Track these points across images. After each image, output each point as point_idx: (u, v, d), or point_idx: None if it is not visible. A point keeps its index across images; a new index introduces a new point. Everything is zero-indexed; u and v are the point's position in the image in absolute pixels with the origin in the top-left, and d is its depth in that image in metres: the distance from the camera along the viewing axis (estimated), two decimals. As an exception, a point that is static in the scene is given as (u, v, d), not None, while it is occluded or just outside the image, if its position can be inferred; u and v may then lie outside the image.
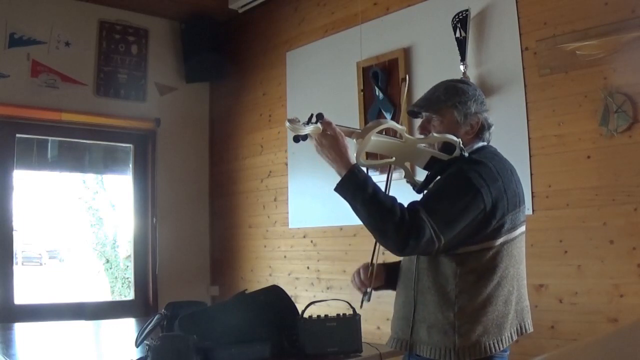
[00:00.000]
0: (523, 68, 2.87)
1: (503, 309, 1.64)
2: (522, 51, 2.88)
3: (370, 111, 3.53)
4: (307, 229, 3.95)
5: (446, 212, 1.57)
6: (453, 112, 1.75)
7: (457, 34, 3.04)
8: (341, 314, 1.98)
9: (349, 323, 1.96)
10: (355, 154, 1.64)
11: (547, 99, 2.77)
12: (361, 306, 1.86)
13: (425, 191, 1.75)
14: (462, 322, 1.62)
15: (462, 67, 3.00)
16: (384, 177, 1.92)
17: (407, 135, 1.71)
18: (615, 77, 2.55)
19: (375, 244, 1.79)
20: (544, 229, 2.74)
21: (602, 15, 2.58)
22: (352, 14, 3.70)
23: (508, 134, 2.87)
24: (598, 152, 2.59)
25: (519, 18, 2.90)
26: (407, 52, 3.38)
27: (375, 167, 1.88)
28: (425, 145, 1.73)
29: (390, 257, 1.81)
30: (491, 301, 1.63)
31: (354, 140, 1.65)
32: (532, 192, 2.78)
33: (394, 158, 1.75)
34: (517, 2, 2.90)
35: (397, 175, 1.99)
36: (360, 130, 1.65)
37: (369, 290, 1.82)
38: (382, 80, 3.45)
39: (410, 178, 1.79)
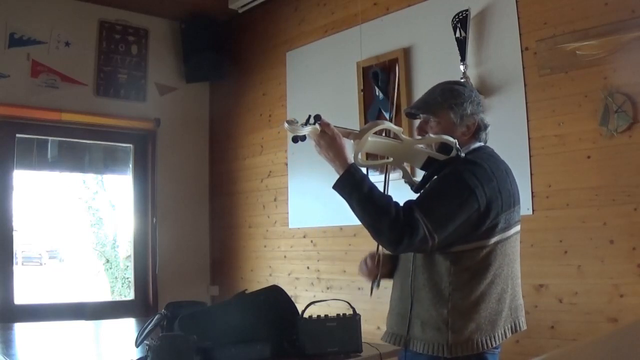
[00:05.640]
0: (523, 68, 2.87)
1: (496, 306, 1.68)
2: (522, 51, 2.88)
3: (370, 111, 3.53)
4: (307, 229, 3.95)
5: (440, 212, 1.61)
6: (449, 114, 1.79)
7: (457, 34, 3.04)
8: (341, 314, 1.98)
9: (349, 323, 1.96)
10: (353, 154, 1.68)
11: (547, 99, 2.77)
12: (371, 294, 1.88)
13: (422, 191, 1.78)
14: (455, 319, 1.65)
15: (462, 67, 3.00)
16: (383, 177, 1.93)
17: (404, 136, 1.75)
18: (615, 77, 2.55)
19: None
20: (544, 229, 2.74)
21: (602, 15, 2.58)
22: (352, 14, 3.70)
23: (508, 134, 2.87)
24: (598, 152, 2.59)
25: (519, 18, 2.90)
26: (407, 52, 3.38)
27: (375, 167, 1.90)
28: (423, 146, 1.76)
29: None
30: (484, 299, 1.66)
31: (352, 140, 1.68)
32: (532, 192, 2.78)
33: (391, 159, 1.78)
34: (517, 2, 2.91)
35: (396, 175, 2.00)
36: (357, 131, 1.69)
37: (377, 277, 1.86)
38: (382, 80, 3.45)
39: (407, 178, 1.82)
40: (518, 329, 1.74)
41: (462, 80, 1.92)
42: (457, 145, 1.71)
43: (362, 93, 3.60)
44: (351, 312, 2.00)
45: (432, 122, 1.81)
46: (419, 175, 1.86)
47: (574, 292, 2.62)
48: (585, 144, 2.63)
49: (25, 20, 3.99)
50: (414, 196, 1.74)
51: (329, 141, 1.65)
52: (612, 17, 2.55)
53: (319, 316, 1.96)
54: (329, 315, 1.97)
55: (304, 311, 1.99)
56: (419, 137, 1.80)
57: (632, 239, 2.46)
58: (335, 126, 1.68)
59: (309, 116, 1.63)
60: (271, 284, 2.36)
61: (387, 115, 3.40)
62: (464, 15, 3.02)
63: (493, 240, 1.67)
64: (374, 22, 3.58)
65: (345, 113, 3.60)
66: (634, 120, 2.49)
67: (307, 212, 3.92)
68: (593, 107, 2.61)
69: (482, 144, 1.83)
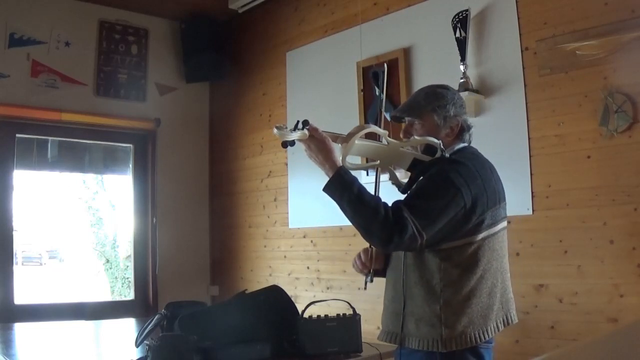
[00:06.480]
0: (523, 68, 2.87)
1: (487, 300, 1.73)
2: (522, 51, 2.88)
3: (370, 111, 3.53)
4: (307, 229, 3.95)
5: (428, 210, 1.66)
6: (433, 116, 1.86)
7: (457, 34, 3.04)
8: (341, 314, 1.98)
9: (349, 323, 1.96)
10: (341, 158, 1.73)
11: (547, 99, 2.77)
12: (365, 287, 1.94)
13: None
14: (448, 314, 1.70)
15: (462, 67, 3.00)
16: (373, 179, 2.01)
17: (389, 139, 1.81)
18: (615, 77, 2.55)
19: None
20: (544, 229, 2.74)
21: (602, 15, 2.58)
22: (352, 14, 3.70)
23: (508, 134, 2.87)
24: (598, 152, 2.59)
25: (519, 18, 2.90)
26: (407, 52, 3.38)
27: (372, 169, 1.93)
28: (408, 148, 1.82)
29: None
30: (475, 293, 1.71)
31: (340, 144, 1.74)
32: (532, 192, 2.78)
33: (378, 161, 1.84)
34: (517, 2, 2.91)
35: (383, 177, 2.04)
36: (345, 135, 1.74)
37: (371, 271, 1.91)
38: (382, 80, 3.45)
39: (394, 180, 1.87)
40: (510, 322, 1.79)
41: (446, 84, 1.96)
42: (442, 146, 1.78)
43: (362, 93, 3.60)
44: (351, 312, 2.00)
45: (417, 125, 1.88)
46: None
47: (574, 292, 2.62)
48: (585, 144, 2.63)
49: (25, 20, 3.99)
50: (401, 197, 1.78)
51: (318, 145, 1.70)
52: (612, 17, 2.55)
53: (319, 316, 1.96)
54: (329, 315, 1.97)
55: (304, 311, 1.99)
56: (405, 140, 1.86)
57: (632, 239, 2.46)
58: (323, 131, 1.73)
59: (297, 121, 1.68)
60: (271, 284, 2.37)
61: (387, 116, 3.40)
62: (464, 15, 3.02)
63: (480, 236, 1.73)
64: (374, 22, 3.58)
65: (345, 113, 3.60)
66: (634, 120, 2.49)
67: (307, 212, 3.92)
68: (593, 107, 2.61)
69: (465, 144, 1.89)
